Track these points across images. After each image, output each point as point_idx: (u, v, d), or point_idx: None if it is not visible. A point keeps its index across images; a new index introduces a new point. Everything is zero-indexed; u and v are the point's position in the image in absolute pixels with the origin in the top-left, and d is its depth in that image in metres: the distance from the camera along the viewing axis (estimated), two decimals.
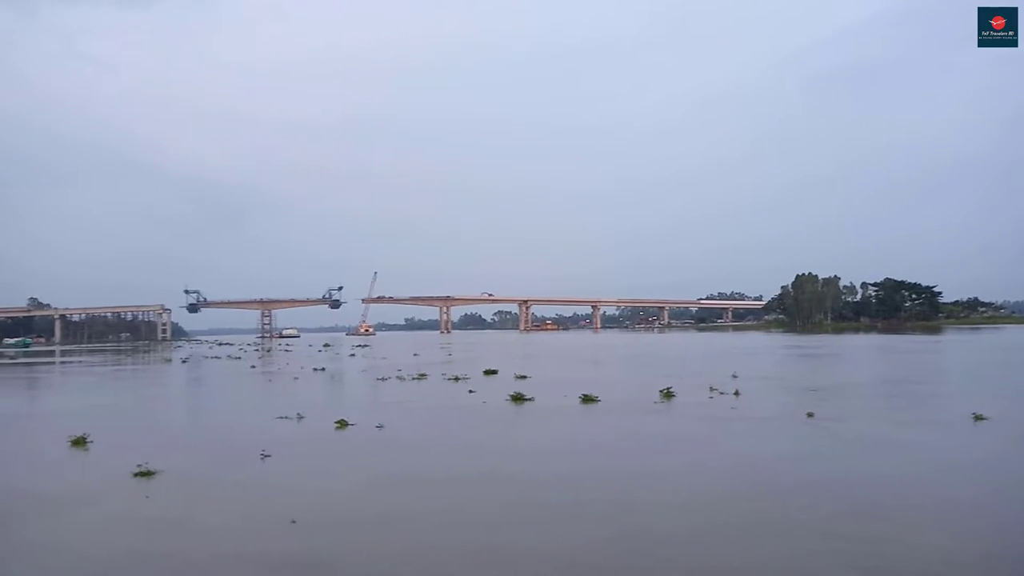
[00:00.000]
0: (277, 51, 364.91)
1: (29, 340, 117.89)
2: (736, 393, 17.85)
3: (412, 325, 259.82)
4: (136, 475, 9.97)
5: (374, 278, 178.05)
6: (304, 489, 9.29)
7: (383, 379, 26.75)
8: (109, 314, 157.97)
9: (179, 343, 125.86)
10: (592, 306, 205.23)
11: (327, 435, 13.61)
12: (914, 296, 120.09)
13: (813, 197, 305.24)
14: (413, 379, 26.11)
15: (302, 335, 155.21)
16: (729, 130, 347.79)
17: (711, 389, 18.66)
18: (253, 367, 39.64)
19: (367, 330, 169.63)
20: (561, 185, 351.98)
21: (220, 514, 8.18)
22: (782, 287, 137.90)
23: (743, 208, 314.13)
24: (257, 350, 71.21)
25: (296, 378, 29.94)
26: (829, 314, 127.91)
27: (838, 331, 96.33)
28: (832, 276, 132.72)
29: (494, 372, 27.05)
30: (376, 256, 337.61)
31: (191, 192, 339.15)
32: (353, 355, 52.15)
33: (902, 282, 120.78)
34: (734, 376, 22.39)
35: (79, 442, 13.04)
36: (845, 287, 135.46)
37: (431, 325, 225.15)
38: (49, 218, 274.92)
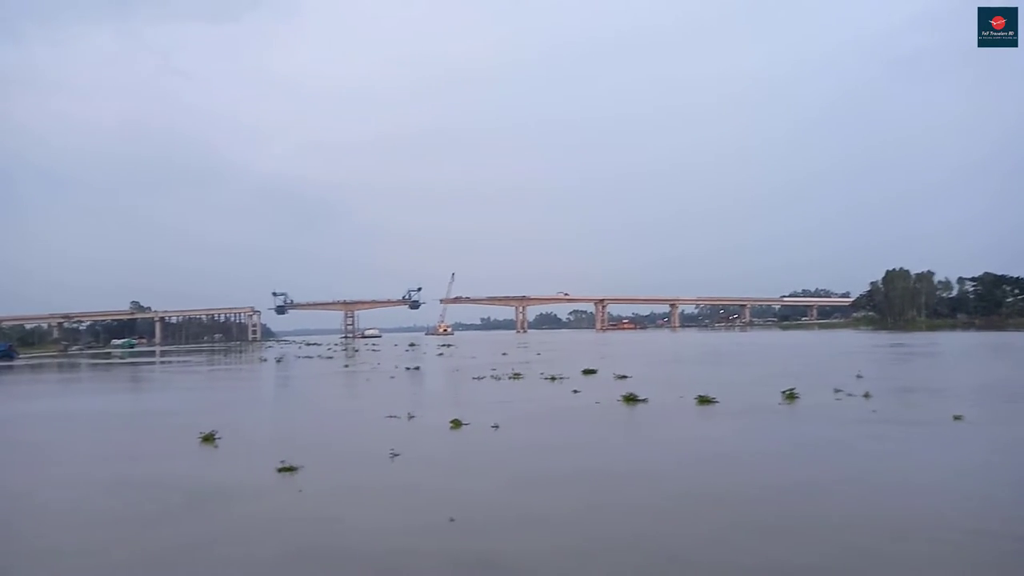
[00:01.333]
0: (355, 64, 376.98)
1: (134, 341, 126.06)
2: (866, 395, 16.67)
3: (488, 325, 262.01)
4: (280, 471, 10.17)
5: (452, 279, 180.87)
6: (447, 488, 9.19)
7: (479, 378, 26.72)
8: (203, 316, 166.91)
9: (269, 343, 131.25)
10: (670, 305, 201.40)
11: (445, 434, 13.52)
12: (1017, 291, 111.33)
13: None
14: (509, 378, 26.01)
15: (383, 335, 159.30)
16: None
17: (836, 391, 17.55)
18: (346, 366, 40.68)
19: (446, 330, 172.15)
20: (624, 179, 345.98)
21: (378, 511, 8.20)
22: (871, 283, 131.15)
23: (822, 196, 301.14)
24: (345, 349, 73.16)
25: (392, 377, 30.39)
26: (923, 310, 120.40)
27: (933, 328, 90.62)
28: (926, 271, 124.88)
29: (593, 371, 26.55)
30: (453, 257, 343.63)
31: (274, 200, 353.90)
32: (441, 354, 52.69)
33: (1003, 276, 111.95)
34: (859, 377, 21.10)
35: (208, 439, 13.42)
36: (940, 282, 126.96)
37: (507, 325, 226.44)
38: (145, 225, 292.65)
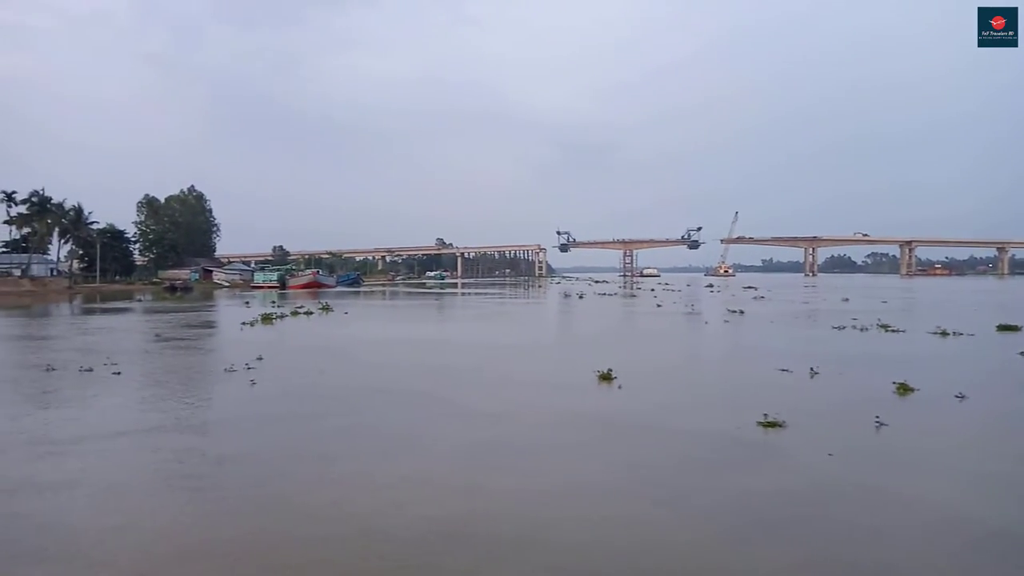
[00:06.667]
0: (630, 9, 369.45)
1: (444, 274, 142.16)
2: None
3: (769, 267, 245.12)
4: (762, 425, 9.15)
5: (735, 218, 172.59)
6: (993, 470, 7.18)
7: (838, 328, 23.52)
8: (495, 252, 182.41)
9: (555, 279, 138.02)
10: (997, 248, 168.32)
11: (896, 401, 10.94)
12: None
13: None
14: (878, 329, 22.53)
15: (660, 275, 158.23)
16: None
17: None
18: (659, 306, 39.07)
19: (726, 271, 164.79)
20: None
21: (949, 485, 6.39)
22: None
23: None
24: (640, 288, 72.71)
25: (726, 321, 28.47)
26: None
27: None
28: None
29: (1014, 328, 21.53)
30: (735, 197, 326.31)
31: (559, 139, 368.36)
32: (763, 297, 49.04)
33: None
34: None
35: (606, 377, 12.91)
36: None
37: (789, 267, 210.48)
38: (442, 169, 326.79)
